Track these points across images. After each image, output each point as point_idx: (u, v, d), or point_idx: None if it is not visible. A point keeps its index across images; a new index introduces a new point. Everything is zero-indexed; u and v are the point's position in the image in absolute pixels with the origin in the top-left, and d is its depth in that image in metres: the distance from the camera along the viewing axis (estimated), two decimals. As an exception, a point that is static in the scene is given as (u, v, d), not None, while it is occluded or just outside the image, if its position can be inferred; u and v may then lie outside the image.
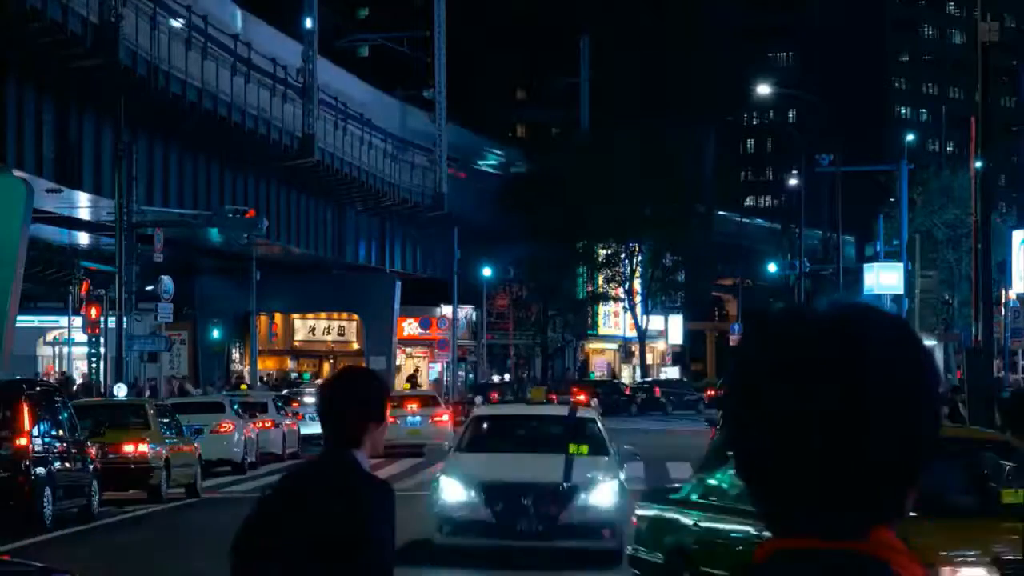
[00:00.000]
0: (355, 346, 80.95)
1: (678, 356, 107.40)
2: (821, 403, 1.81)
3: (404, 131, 73.28)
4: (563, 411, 21.47)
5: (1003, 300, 56.13)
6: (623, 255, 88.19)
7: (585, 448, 19.48)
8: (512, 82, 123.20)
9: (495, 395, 56.27)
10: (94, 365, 47.40)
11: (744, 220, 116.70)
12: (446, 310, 79.99)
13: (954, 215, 69.56)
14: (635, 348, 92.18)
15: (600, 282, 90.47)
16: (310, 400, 46.26)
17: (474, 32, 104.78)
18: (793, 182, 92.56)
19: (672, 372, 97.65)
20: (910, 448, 1.83)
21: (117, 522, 25.53)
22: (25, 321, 49.39)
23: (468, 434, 20.87)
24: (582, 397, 28.94)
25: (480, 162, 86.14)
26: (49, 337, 65.42)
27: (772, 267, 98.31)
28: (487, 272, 79.37)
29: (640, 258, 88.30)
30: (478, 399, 46.07)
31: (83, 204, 46.30)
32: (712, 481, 13.54)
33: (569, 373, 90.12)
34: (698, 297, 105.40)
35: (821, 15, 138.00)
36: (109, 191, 42.80)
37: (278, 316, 78.58)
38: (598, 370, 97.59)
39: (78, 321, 50.50)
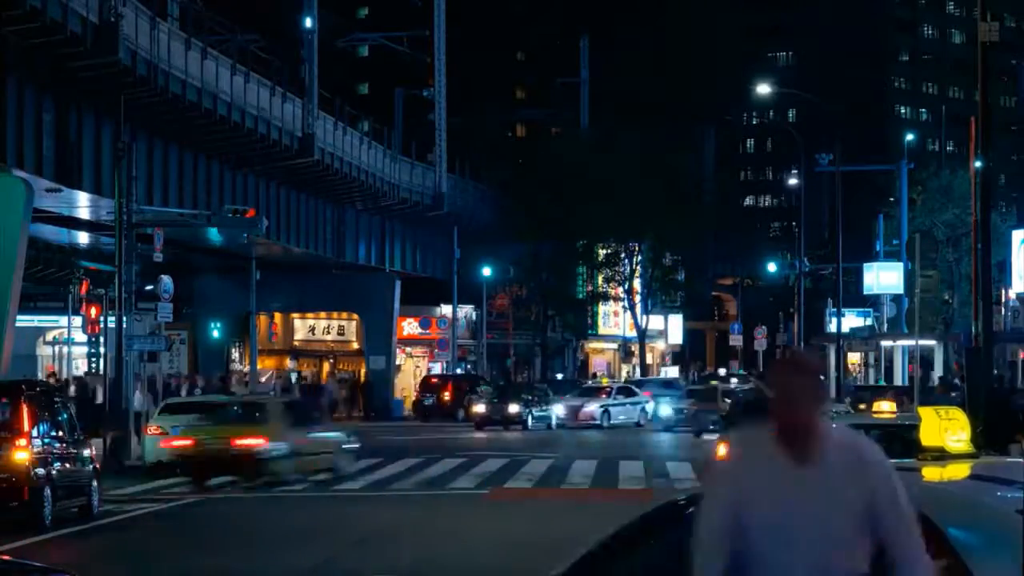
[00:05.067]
0: (355, 346, 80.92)
1: (678, 356, 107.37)
2: None
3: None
4: None
5: (1003, 300, 56.13)
6: (623, 255, 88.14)
7: None
8: (512, 82, 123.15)
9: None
10: (94, 365, 47.40)
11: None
12: (446, 310, 79.96)
13: (954, 215, 69.59)
14: (635, 348, 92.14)
15: (600, 282, 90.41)
16: None
17: (474, 32, 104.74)
18: (793, 182, 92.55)
19: (672, 372, 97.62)
20: None
21: (115, 522, 25.54)
22: (25, 321, 49.41)
23: None
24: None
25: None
26: (49, 337, 65.40)
27: (772, 267, 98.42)
28: (487, 272, 79.37)
29: (640, 258, 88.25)
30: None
31: (83, 204, 46.29)
32: None
33: (567, 372, 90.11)
34: (698, 297, 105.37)
35: (821, 15, 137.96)
36: (109, 190, 42.78)
37: (278, 316, 78.55)
38: (598, 370, 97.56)
39: (78, 321, 50.49)
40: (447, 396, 69.58)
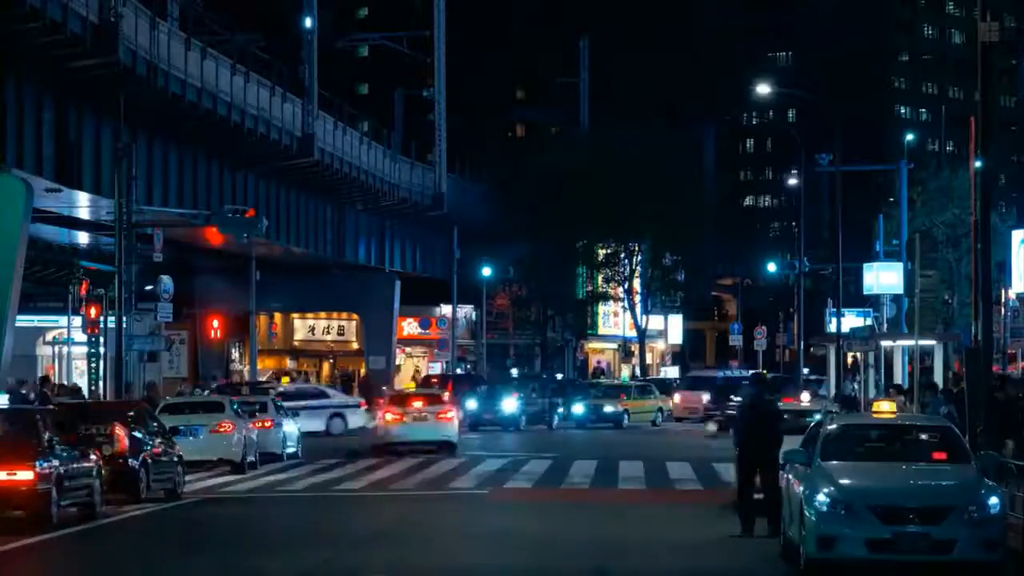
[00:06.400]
0: (355, 346, 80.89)
1: (678, 356, 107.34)
2: None
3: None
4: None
5: (1003, 300, 56.06)
6: (623, 255, 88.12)
7: None
8: (512, 82, 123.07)
9: None
10: (93, 365, 47.34)
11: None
12: (446, 310, 79.94)
13: (954, 215, 69.55)
14: (635, 348, 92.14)
15: (600, 282, 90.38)
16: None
17: (474, 32, 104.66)
18: (793, 182, 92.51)
19: (672, 372, 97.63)
20: None
21: (116, 522, 25.54)
22: (25, 321, 49.30)
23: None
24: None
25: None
26: (49, 337, 65.34)
27: (772, 267, 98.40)
28: (487, 272, 79.31)
29: (640, 258, 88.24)
30: None
31: (83, 204, 46.25)
32: None
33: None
34: (698, 297, 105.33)
35: (821, 15, 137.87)
36: (109, 191, 42.75)
37: (278, 316, 78.53)
38: (600, 365, 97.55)
39: (78, 321, 50.42)
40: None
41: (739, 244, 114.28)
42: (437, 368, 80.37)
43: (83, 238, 55.18)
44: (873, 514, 17.47)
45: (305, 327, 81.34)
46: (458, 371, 78.41)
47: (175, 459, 29.97)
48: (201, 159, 51.78)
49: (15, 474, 23.17)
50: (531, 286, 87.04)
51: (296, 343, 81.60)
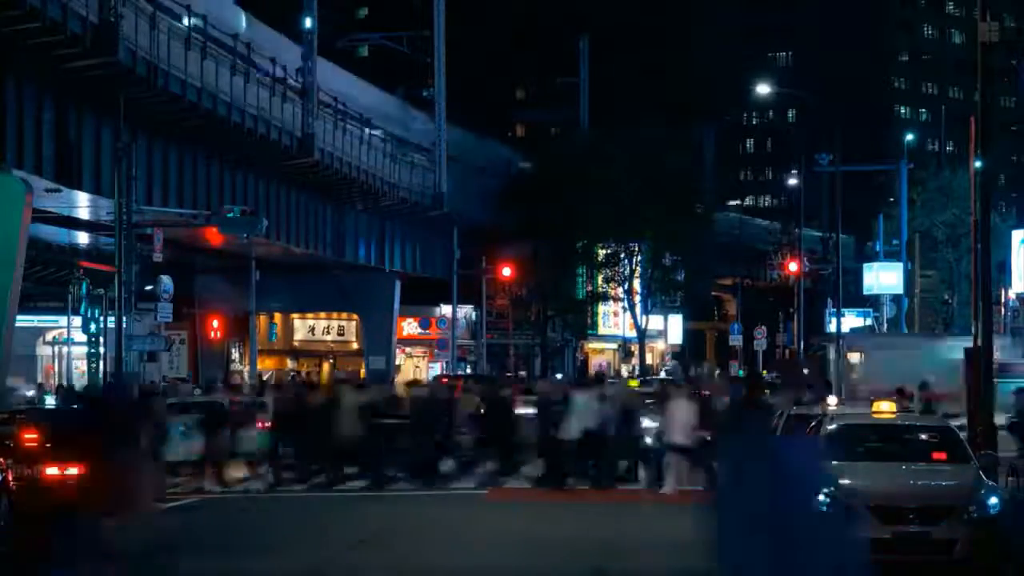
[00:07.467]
0: (355, 346, 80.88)
1: (678, 356, 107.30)
2: None
3: (406, 132, 73.16)
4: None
5: (1003, 300, 56.12)
6: (623, 255, 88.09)
7: None
8: (512, 82, 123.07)
9: None
10: (93, 365, 47.38)
11: (744, 218, 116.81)
12: (446, 310, 79.91)
13: (954, 215, 69.63)
14: (635, 348, 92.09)
15: (600, 282, 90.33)
16: None
17: (474, 32, 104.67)
18: (793, 182, 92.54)
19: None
20: None
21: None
22: (25, 321, 49.37)
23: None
24: None
25: (480, 161, 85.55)
26: (49, 337, 65.41)
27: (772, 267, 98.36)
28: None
29: (640, 258, 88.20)
30: None
31: (82, 204, 46.27)
32: None
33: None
34: (698, 297, 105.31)
35: (821, 15, 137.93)
36: (108, 191, 42.77)
37: (278, 316, 78.53)
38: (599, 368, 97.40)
39: (78, 321, 50.48)
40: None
41: (739, 244, 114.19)
42: (437, 368, 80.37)
43: (83, 238, 55.22)
44: (873, 514, 17.46)
45: (305, 327, 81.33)
46: (467, 371, 78.39)
47: None
48: (201, 159, 51.79)
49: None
50: (531, 286, 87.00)
51: (296, 343, 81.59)
